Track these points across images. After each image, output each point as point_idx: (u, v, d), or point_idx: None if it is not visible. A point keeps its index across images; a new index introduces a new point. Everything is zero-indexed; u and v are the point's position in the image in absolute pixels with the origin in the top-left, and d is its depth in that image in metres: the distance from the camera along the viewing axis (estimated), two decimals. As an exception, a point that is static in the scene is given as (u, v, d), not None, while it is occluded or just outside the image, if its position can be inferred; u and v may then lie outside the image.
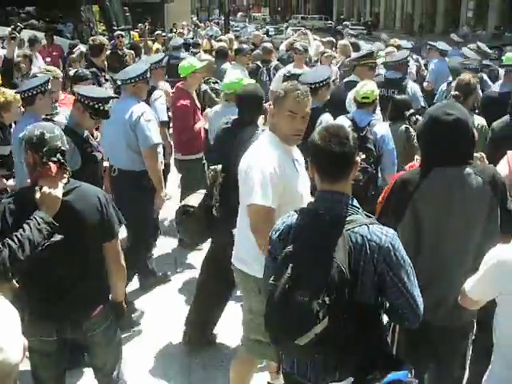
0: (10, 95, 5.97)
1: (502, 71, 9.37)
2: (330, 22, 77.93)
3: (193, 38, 18.99)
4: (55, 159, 3.56)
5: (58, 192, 3.53)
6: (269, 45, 12.99)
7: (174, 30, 27.51)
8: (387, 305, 3.00)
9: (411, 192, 3.57)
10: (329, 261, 2.71)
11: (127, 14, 22.71)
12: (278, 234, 3.08)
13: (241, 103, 5.51)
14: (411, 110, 7.31)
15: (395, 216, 3.60)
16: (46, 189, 3.50)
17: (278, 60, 12.83)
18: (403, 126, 7.14)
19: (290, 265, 2.78)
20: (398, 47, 12.33)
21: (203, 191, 5.50)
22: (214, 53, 12.61)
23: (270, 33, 34.57)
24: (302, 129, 4.03)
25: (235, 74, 7.61)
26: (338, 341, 2.74)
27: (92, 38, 11.44)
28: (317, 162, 3.00)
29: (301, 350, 2.80)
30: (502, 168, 4.05)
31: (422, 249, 3.58)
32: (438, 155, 3.56)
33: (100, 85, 8.94)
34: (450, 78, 9.27)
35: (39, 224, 3.36)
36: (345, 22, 73.98)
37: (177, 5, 32.33)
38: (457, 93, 6.46)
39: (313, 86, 6.20)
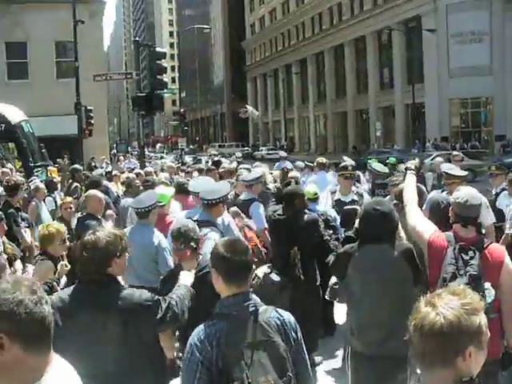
0: (54, 228, 6.08)
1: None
2: (246, 148, 80.00)
3: (111, 172, 19.18)
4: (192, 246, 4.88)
5: (192, 271, 4.75)
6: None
7: (93, 164, 27.75)
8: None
9: (348, 260, 5.05)
10: (275, 347, 3.31)
11: (43, 150, 22.89)
12: (206, 342, 3.28)
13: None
14: None
15: (340, 276, 5.48)
16: (184, 267, 4.77)
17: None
18: None
19: (242, 363, 3.19)
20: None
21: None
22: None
23: (186, 162, 35.11)
24: None
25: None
26: None
27: (7, 178, 11.44)
28: (223, 271, 3.48)
29: None
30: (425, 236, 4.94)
31: (352, 300, 5.11)
32: (368, 236, 5.02)
33: (18, 225, 8.89)
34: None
35: (187, 291, 4.36)
36: (261, 148, 76.49)
37: (95, 139, 32.78)
38: (395, 201, 7.03)
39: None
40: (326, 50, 75.38)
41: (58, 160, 25.88)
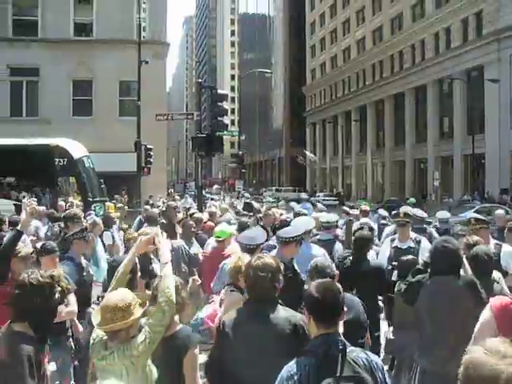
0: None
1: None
2: (303, 193, 79.93)
3: (166, 210, 19.47)
4: None
5: None
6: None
7: (150, 202, 28.10)
8: None
9: (419, 288, 5.87)
10: (364, 382, 3.50)
11: (102, 185, 23.32)
12: (295, 376, 3.53)
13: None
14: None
15: (410, 302, 6.09)
16: None
17: None
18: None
19: None
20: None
21: None
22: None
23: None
24: None
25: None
26: None
27: (67, 211, 11.61)
28: (314, 312, 3.75)
29: None
30: (484, 315, 4.76)
31: (419, 323, 5.89)
32: (437, 268, 5.82)
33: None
34: None
35: None
36: (317, 193, 76.30)
37: (153, 177, 33.19)
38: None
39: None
40: (386, 97, 75.36)
41: (115, 196, 26.29)
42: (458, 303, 5.57)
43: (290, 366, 3.54)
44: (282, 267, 4.77)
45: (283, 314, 4.54)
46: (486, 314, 4.69)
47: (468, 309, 5.45)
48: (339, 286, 3.96)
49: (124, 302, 4.16)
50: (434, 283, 5.79)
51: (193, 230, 11.39)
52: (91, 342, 4.38)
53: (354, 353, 3.62)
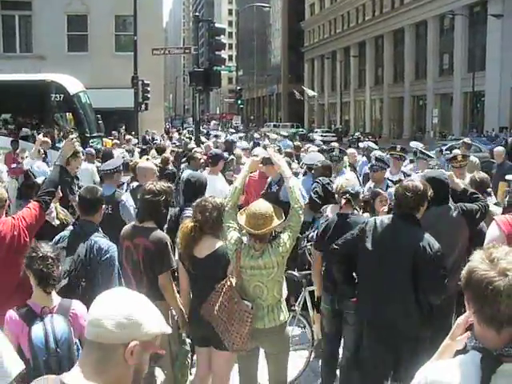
0: None
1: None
2: (301, 129, 79.51)
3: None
4: None
5: None
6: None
7: (148, 138, 28.05)
8: None
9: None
10: None
11: (100, 121, 23.18)
12: None
13: None
14: None
15: None
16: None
17: None
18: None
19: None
20: None
21: None
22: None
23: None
24: None
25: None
26: None
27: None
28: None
29: None
30: (491, 231, 5.15)
31: None
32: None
33: (73, 193, 8.83)
34: None
35: None
36: (316, 129, 75.98)
37: (150, 113, 33.01)
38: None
39: None
40: (385, 33, 74.28)
41: (113, 132, 26.17)
42: (454, 229, 5.92)
43: None
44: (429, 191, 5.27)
45: (421, 234, 5.07)
46: (493, 231, 5.09)
47: (463, 233, 5.96)
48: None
49: (271, 210, 5.04)
50: (432, 213, 5.92)
51: (202, 162, 11.79)
52: (233, 248, 5.14)
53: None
